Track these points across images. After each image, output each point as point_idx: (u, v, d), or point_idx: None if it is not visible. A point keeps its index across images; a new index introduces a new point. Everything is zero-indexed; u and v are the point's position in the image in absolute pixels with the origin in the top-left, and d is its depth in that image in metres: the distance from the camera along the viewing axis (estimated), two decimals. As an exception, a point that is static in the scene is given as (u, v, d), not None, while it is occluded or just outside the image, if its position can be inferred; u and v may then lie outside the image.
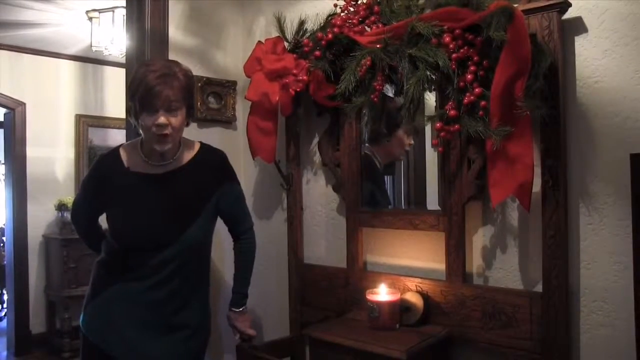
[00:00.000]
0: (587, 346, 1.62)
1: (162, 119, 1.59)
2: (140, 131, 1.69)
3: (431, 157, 1.99)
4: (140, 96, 1.60)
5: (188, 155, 1.78)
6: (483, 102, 1.59)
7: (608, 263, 1.58)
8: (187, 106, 1.69)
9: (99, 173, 1.77)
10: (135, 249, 1.69)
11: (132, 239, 1.69)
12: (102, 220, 1.88)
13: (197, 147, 1.82)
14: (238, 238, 1.96)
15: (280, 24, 2.23)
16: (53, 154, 4.73)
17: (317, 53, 2.02)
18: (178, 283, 1.72)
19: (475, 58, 1.62)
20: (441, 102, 1.78)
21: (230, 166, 1.89)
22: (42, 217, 4.62)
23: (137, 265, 1.69)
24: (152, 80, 1.59)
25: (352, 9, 1.99)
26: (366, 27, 1.92)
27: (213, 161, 1.83)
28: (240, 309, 1.94)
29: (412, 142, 2.08)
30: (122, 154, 1.76)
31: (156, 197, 1.71)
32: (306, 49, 2.08)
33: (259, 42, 2.27)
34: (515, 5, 1.56)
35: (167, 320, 1.73)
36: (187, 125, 1.76)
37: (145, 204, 1.70)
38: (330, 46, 2.00)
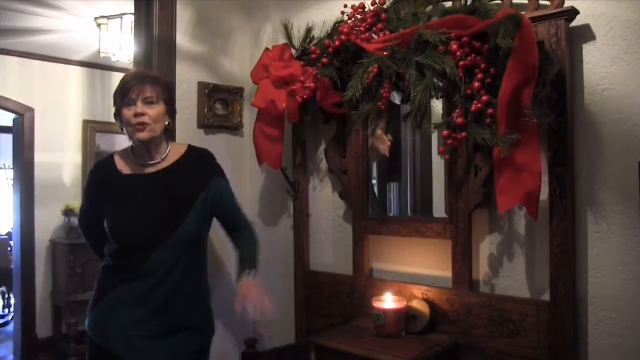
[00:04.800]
0: (594, 355, 1.60)
1: (139, 109, 1.72)
2: (124, 129, 1.78)
3: (437, 165, 1.99)
4: (119, 92, 1.75)
5: (177, 155, 1.86)
6: (490, 110, 1.59)
7: (616, 272, 1.57)
8: (165, 104, 1.79)
9: (96, 178, 1.86)
10: (132, 247, 1.74)
11: (128, 238, 1.74)
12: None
13: (185, 147, 1.90)
14: (240, 230, 1.90)
15: (287, 31, 2.24)
16: (60, 159, 4.74)
17: (324, 60, 2.03)
18: (177, 282, 1.75)
19: (482, 65, 1.62)
20: (448, 109, 1.78)
21: (217, 163, 1.93)
22: (49, 221, 4.63)
23: (137, 265, 1.72)
24: (129, 78, 1.76)
25: (359, 16, 2.00)
26: (373, 35, 1.92)
27: (200, 159, 1.90)
28: (253, 271, 1.78)
29: (392, 138, 2.13)
30: (116, 159, 1.85)
31: (150, 194, 1.77)
32: (313, 56, 2.09)
33: (266, 49, 2.27)
34: (523, 13, 1.56)
35: (168, 320, 1.74)
36: (169, 124, 1.83)
37: (139, 203, 1.76)
38: (337, 53, 2.01)
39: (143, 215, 1.74)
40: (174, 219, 1.75)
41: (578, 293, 1.62)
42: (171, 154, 1.85)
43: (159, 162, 1.82)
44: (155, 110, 1.74)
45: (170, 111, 1.84)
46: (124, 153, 1.86)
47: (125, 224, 1.74)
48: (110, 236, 1.77)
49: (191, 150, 1.89)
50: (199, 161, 1.88)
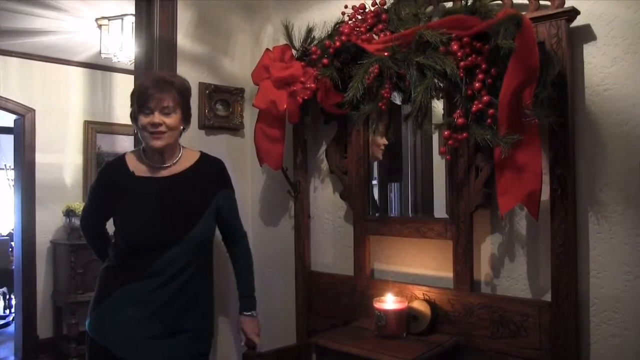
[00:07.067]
0: (596, 357, 1.60)
1: (156, 119, 1.73)
2: (138, 133, 1.81)
3: (438, 165, 1.98)
4: (137, 99, 1.76)
5: (189, 161, 1.88)
6: (491, 110, 1.59)
7: (618, 272, 1.56)
8: (182, 111, 1.81)
9: (106, 177, 1.85)
10: (141, 249, 1.75)
11: (139, 239, 1.76)
12: (109, 226, 1.91)
13: (198, 155, 1.93)
14: (235, 242, 2.02)
15: (288, 31, 2.23)
16: (61, 160, 4.75)
17: (325, 61, 2.03)
18: (182, 284, 1.76)
19: (483, 66, 1.62)
20: (449, 110, 1.78)
21: (228, 174, 1.98)
22: (50, 222, 4.64)
23: (143, 266, 1.73)
24: (148, 84, 1.76)
25: (359, 17, 2.00)
26: (374, 35, 1.92)
27: (214, 168, 1.94)
28: (251, 313, 2.00)
29: (387, 142, 2.12)
30: (128, 159, 1.85)
31: (160, 198, 1.79)
32: (314, 56, 2.09)
33: (267, 49, 2.27)
34: (524, 13, 1.56)
35: (170, 322, 1.75)
36: (184, 129, 1.86)
37: (150, 206, 1.78)
38: (338, 54, 2.01)
39: (157, 218, 1.76)
40: (186, 223, 1.78)
41: (580, 294, 1.61)
42: (184, 159, 1.86)
43: (171, 166, 1.83)
44: (173, 119, 1.76)
45: (186, 116, 1.84)
46: (135, 154, 1.86)
47: (139, 226, 1.76)
48: (122, 237, 1.78)
49: (205, 157, 1.93)
50: (212, 169, 1.92)
